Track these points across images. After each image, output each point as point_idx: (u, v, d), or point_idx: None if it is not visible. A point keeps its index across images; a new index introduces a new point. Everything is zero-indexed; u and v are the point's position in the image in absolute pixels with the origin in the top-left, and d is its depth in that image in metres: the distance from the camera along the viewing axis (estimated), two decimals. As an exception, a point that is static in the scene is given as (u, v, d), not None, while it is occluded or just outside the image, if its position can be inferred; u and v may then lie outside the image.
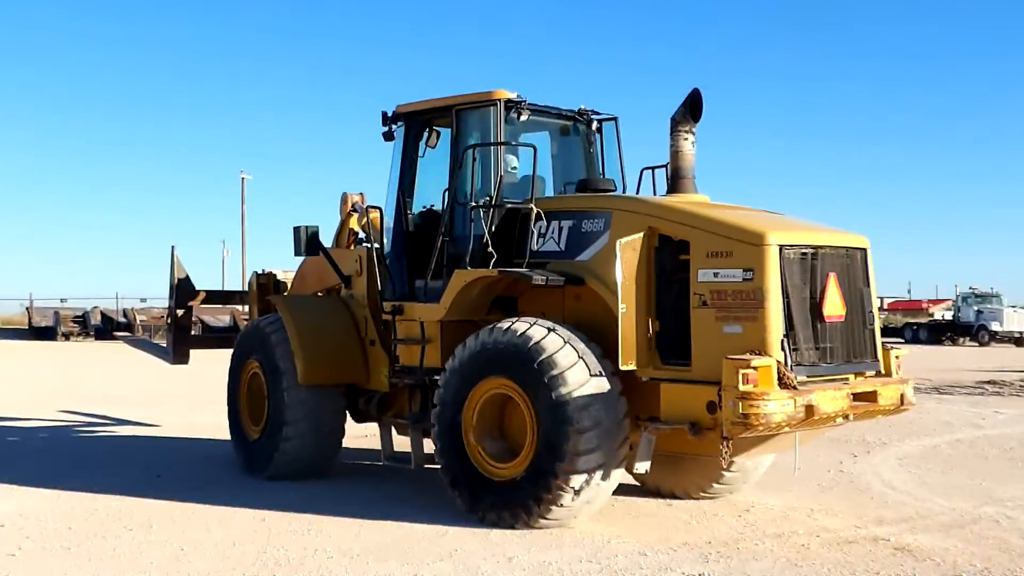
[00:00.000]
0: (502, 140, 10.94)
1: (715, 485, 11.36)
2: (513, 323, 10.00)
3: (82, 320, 53.60)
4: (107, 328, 48.98)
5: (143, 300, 59.31)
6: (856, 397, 9.72)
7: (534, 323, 9.98)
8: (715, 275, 9.53)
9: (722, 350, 9.32)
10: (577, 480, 9.61)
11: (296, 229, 12.03)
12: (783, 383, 9.08)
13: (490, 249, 10.53)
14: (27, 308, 57.97)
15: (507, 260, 10.79)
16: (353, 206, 13.15)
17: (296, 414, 12.16)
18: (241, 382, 13.00)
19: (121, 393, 22.90)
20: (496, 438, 10.30)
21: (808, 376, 9.43)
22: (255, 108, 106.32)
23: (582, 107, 12.12)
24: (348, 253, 12.25)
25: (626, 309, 9.83)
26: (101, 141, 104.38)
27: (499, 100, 11.03)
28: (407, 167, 11.85)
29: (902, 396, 9.96)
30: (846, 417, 9.59)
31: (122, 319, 51.00)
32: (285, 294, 13.70)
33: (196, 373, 19.41)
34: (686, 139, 10.69)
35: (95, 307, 54.42)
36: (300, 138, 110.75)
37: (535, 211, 10.50)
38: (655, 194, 11.56)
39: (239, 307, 38.19)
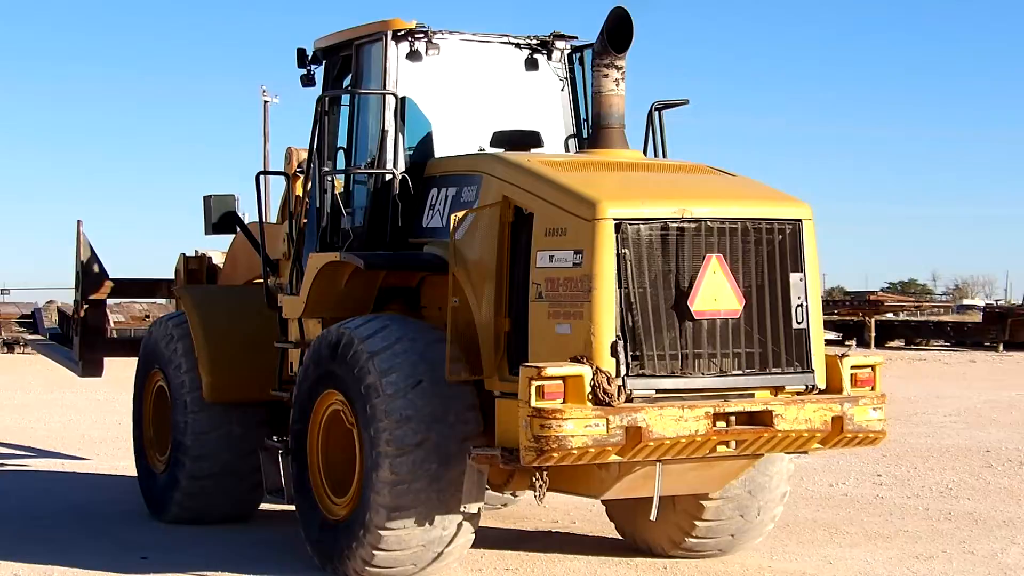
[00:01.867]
0: (390, 84, 10.95)
1: (688, 539, 10.95)
2: (350, 321, 9.59)
3: (31, 321, 46.50)
4: (67, 332, 28.60)
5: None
6: (744, 419, 8.99)
7: (371, 319, 9.85)
8: (550, 259, 9.45)
9: (552, 355, 9.17)
10: (394, 519, 9.67)
11: (206, 199, 11.65)
12: (599, 399, 8.27)
13: (344, 226, 10.02)
14: None
15: (402, 239, 10.79)
16: (299, 165, 12.40)
17: (203, 440, 12.26)
18: (145, 399, 13.45)
19: (95, 432, 20.64)
20: (338, 469, 10.41)
21: (659, 391, 9.05)
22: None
23: (555, 31, 11.84)
24: (276, 231, 11.72)
25: (459, 303, 9.37)
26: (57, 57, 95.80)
27: (386, 32, 11.03)
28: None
29: (837, 420, 8.88)
30: (725, 444, 8.43)
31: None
32: (212, 284, 13.24)
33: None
34: (606, 76, 10.33)
35: (50, 301, 42.98)
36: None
37: (399, 177, 9.95)
38: (663, 142, 11.44)
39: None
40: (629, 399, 8.84)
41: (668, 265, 9.06)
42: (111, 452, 17.73)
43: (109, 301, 16.49)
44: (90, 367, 14.71)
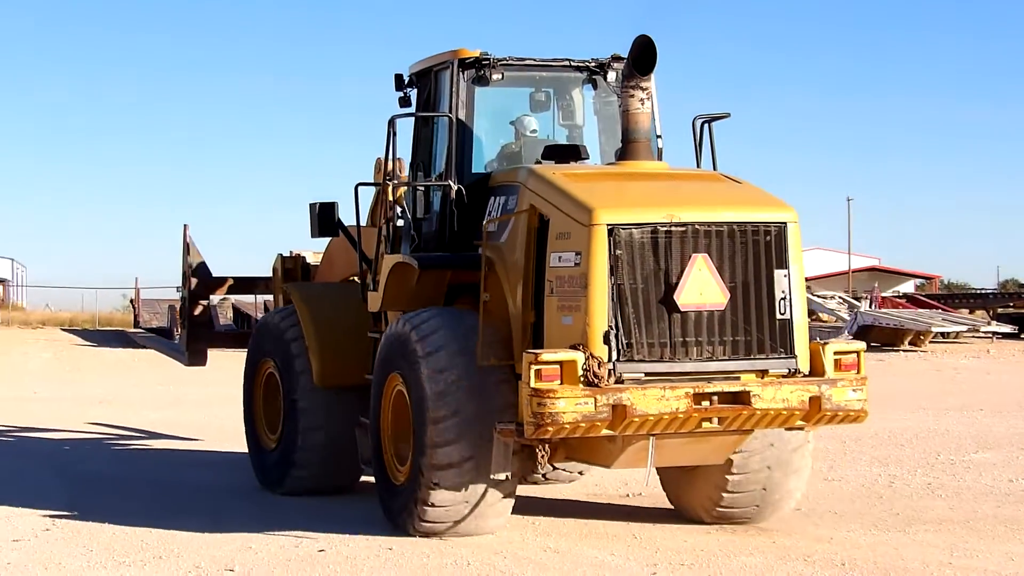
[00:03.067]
0: (457, 106, 12.31)
1: (717, 508, 12.17)
2: (413, 312, 11.10)
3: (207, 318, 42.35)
4: (245, 329, 30.27)
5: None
6: (726, 399, 10.25)
7: (424, 312, 11.47)
8: (559, 259, 10.80)
9: (561, 343, 10.49)
10: (439, 483, 10.99)
11: (312, 206, 13.23)
12: (590, 381, 9.44)
13: (412, 232, 11.53)
14: (131, 301, 47.81)
15: (468, 242, 12.17)
16: (388, 174, 13.65)
17: (313, 420, 13.70)
18: (256, 384, 14.97)
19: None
20: (403, 440, 11.85)
21: (647, 374, 10.31)
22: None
23: (615, 54, 13.00)
24: (372, 233, 13.31)
25: (491, 298, 10.55)
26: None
27: (453, 61, 12.44)
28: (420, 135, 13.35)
29: (815, 400, 10.02)
30: (708, 420, 9.79)
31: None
32: (306, 281, 14.76)
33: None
34: (632, 96, 11.58)
35: (224, 298, 40.90)
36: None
37: (454, 188, 11.39)
38: (712, 152, 12.59)
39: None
40: (620, 381, 10.14)
41: (658, 264, 10.31)
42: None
43: (261, 298, 18.16)
44: (196, 357, 16.50)
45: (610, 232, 10.22)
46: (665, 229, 10.33)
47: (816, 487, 14.18)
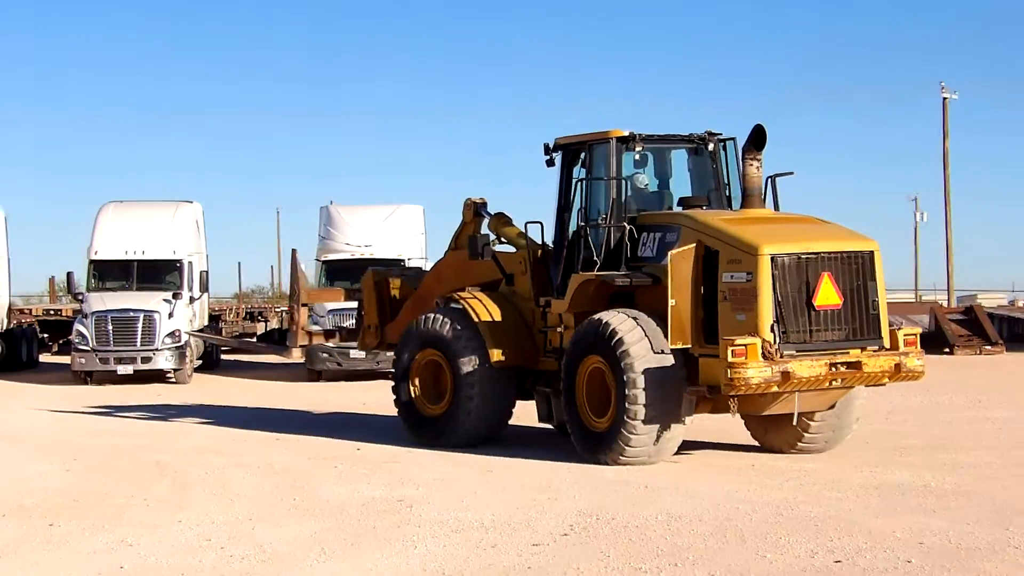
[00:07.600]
0: (615, 171, 16.79)
1: (800, 443, 16.88)
2: (601, 315, 15.45)
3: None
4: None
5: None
6: (846, 366, 14.50)
7: (616, 313, 15.39)
8: (731, 277, 15.00)
9: (734, 333, 14.59)
10: (641, 428, 15.09)
11: (471, 237, 18.01)
12: (765, 356, 14.03)
13: (595, 258, 15.99)
14: None
15: (618, 264, 16.10)
16: (477, 210, 18.54)
17: (483, 392, 18.05)
18: (413, 369, 19.01)
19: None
20: (595, 401, 15.94)
21: (797, 351, 14.63)
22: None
23: (708, 130, 17.68)
24: (512, 256, 18.31)
25: (676, 303, 15.10)
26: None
27: (612, 138, 16.88)
28: (565, 188, 17.68)
29: (897, 365, 14.65)
30: (835, 380, 14.38)
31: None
32: (476, 292, 18.98)
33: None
34: (751, 164, 16.35)
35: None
36: None
37: (626, 228, 15.91)
38: (776, 202, 16.89)
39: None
40: (782, 356, 14.91)
41: (801, 279, 15.02)
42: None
43: None
44: (291, 353, 21.58)
45: (771, 259, 14.97)
46: (805, 256, 15.13)
47: None
